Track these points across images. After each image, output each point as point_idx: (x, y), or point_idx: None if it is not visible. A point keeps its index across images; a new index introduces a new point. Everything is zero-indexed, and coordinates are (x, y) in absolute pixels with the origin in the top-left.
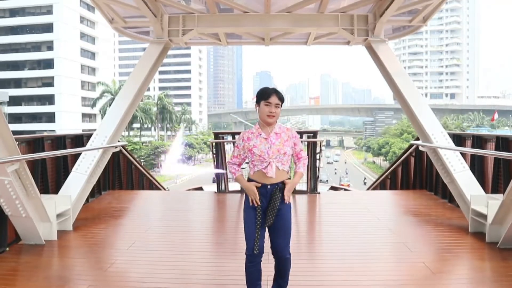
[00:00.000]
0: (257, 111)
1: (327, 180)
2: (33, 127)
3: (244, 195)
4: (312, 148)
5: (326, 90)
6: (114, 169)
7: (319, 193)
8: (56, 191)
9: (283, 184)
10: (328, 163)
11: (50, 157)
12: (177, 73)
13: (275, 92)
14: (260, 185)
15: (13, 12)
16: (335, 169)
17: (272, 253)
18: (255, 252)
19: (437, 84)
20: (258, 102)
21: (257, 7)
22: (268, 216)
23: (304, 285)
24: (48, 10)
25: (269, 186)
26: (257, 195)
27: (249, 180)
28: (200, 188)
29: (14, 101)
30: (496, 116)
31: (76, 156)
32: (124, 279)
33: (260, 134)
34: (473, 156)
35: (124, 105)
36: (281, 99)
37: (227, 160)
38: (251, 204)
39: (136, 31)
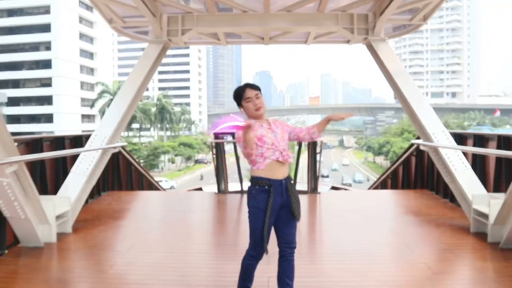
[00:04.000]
0: (244, 112)
1: (327, 175)
2: (31, 128)
3: (250, 194)
4: (312, 148)
5: (326, 90)
6: (114, 170)
7: (319, 193)
8: (55, 192)
9: (291, 177)
10: (345, 186)
11: (49, 158)
12: (177, 73)
13: (246, 86)
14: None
15: (11, 12)
16: None
17: (283, 247)
18: (267, 253)
19: (438, 83)
20: (240, 105)
21: (257, 7)
22: (295, 209)
23: (305, 286)
24: (46, 10)
25: (283, 181)
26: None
27: (257, 178)
28: (200, 189)
29: (12, 102)
30: (497, 113)
31: (75, 157)
32: (124, 281)
33: (262, 125)
34: (474, 155)
35: (123, 106)
36: (257, 89)
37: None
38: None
39: (135, 31)
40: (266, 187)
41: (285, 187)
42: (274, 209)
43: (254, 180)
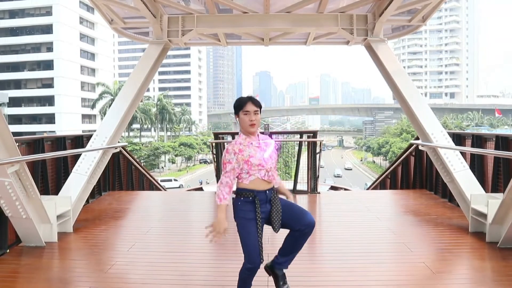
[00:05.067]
0: (238, 122)
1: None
2: (33, 128)
3: (235, 206)
4: (312, 148)
5: (325, 90)
6: (114, 170)
7: (319, 193)
8: (56, 192)
9: (275, 189)
10: (345, 186)
11: (50, 158)
12: (177, 74)
13: (249, 99)
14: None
15: (13, 14)
16: None
17: (304, 227)
18: (262, 261)
19: (436, 83)
20: (237, 114)
21: (257, 7)
22: (275, 221)
23: (304, 285)
24: (48, 11)
25: (267, 192)
26: (225, 231)
27: (242, 190)
28: (200, 189)
29: (14, 102)
30: (496, 114)
31: (76, 157)
32: (124, 280)
33: (252, 143)
34: (473, 156)
35: (124, 106)
36: (258, 105)
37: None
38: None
39: (135, 32)
40: (251, 198)
41: (269, 198)
42: (262, 219)
43: (238, 191)
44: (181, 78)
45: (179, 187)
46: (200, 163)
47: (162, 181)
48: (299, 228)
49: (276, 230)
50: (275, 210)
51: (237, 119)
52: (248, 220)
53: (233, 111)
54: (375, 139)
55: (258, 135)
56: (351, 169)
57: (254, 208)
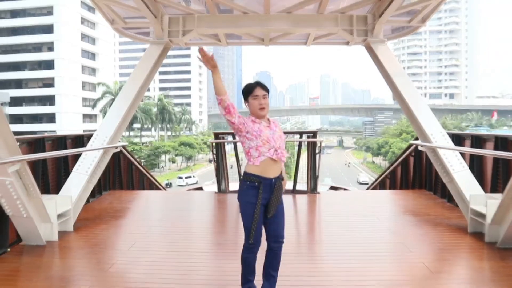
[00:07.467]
0: (248, 108)
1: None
2: (34, 127)
3: (241, 188)
4: (311, 148)
5: (325, 91)
6: (115, 170)
7: (319, 193)
8: (56, 191)
9: (281, 177)
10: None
11: (51, 157)
12: (177, 74)
13: (258, 84)
14: None
15: (14, 13)
16: None
17: (270, 240)
18: (251, 241)
19: (436, 84)
20: (246, 100)
21: (257, 8)
22: (271, 207)
23: (304, 285)
24: (49, 11)
25: (273, 179)
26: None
27: (249, 174)
28: (201, 188)
29: (15, 101)
30: (495, 116)
31: (76, 157)
32: (125, 279)
33: (261, 122)
34: (472, 156)
35: (125, 106)
36: (266, 90)
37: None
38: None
39: (136, 32)
40: (256, 183)
41: (273, 186)
42: (262, 204)
43: (246, 175)
44: (182, 78)
45: (196, 183)
46: (209, 161)
47: (186, 177)
48: (268, 242)
49: (268, 215)
50: (274, 197)
51: (246, 105)
52: (251, 204)
53: None
54: (375, 140)
55: (268, 119)
56: (367, 184)
57: (257, 194)
